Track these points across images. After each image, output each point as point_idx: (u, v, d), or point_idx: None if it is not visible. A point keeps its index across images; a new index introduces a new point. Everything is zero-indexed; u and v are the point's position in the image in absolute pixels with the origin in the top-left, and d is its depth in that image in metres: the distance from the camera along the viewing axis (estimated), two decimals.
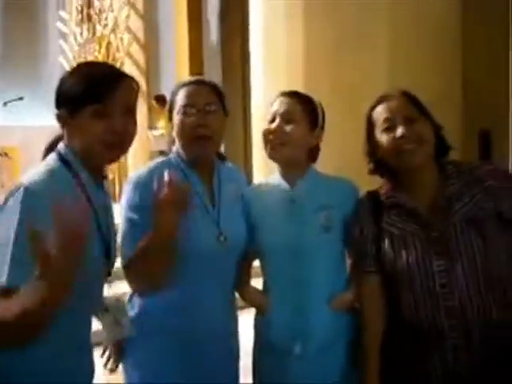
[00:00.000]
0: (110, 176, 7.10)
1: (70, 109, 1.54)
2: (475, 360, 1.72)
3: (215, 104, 1.92)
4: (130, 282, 1.83)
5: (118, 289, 1.82)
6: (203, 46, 8.05)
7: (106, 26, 9.23)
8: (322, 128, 2.01)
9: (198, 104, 1.90)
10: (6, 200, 1.46)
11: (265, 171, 3.97)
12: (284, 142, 1.92)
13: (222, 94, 1.98)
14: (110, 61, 9.16)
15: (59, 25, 10.05)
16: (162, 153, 5.92)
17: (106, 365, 1.93)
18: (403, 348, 1.83)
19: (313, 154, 2.02)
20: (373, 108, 1.88)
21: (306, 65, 4.21)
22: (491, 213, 1.75)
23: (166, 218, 1.69)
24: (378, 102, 1.87)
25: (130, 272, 1.80)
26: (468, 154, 3.87)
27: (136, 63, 8.79)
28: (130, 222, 1.84)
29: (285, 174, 1.99)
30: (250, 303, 2.06)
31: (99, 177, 1.66)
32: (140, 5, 8.77)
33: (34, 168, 1.55)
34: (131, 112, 1.61)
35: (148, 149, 7.73)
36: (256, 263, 2.07)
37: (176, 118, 1.92)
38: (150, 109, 8.17)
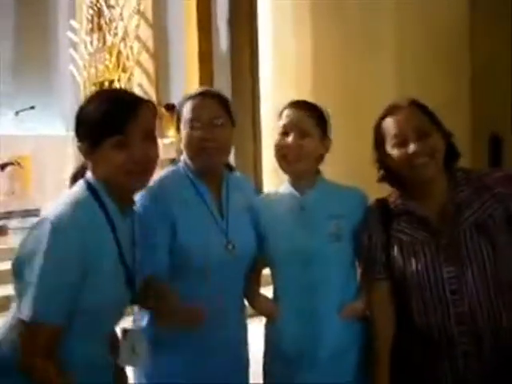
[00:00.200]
0: None
1: (91, 142, 1.55)
2: (485, 367, 1.72)
3: (222, 117, 1.92)
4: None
5: None
6: (213, 55, 8.06)
7: (116, 35, 9.28)
8: (330, 136, 2.02)
9: (204, 118, 1.90)
10: (30, 233, 1.49)
11: (275, 181, 3.96)
12: (301, 157, 1.93)
13: (228, 105, 1.98)
14: (119, 69, 9.22)
15: (70, 34, 10.12)
16: (172, 161, 5.94)
17: None
18: (413, 354, 1.83)
19: (318, 161, 2.03)
20: (382, 118, 1.87)
21: (315, 72, 4.21)
22: (501, 219, 1.75)
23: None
24: (388, 113, 1.86)
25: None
26: (478, 159, 3.84)
27: (146, 72, 8.82)
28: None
29: (295, 183, 2.00)
30: (259, 312, 2.06)
31: (127, 205, 1.66)
32: (150, 14, 8.81)
33: (61, 197, 1.57)
34: (151, 136, 1.61)
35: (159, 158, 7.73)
36: (266, 271, 2.07)
37: (183, 131, 1.93)
38: (159, 117, 8.19)
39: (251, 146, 7.46)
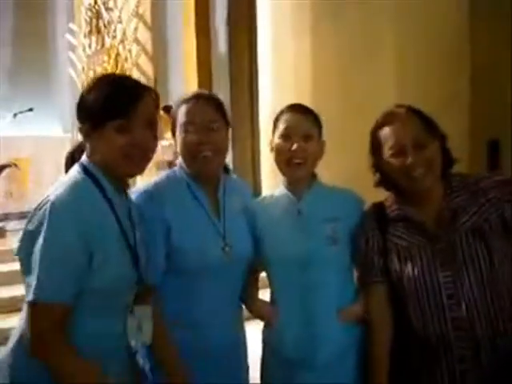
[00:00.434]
0: None
1: (93, 123, 1.58)
2: (482, 371, 1.72)
3: (216, 121, 1.92)
4: None
5: None
6: (211, 58, 8.06)
7: (114, 37, 9.27)
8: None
9: (199, 122, 1.90)
10: (33, 215, 1.51)
11: (273, 183, 3.96)
12: (306, 160, 1.93)
13: (223, 107, 1.98)
14: (118, 72, 9.21)
15: (68, 36, 10.12)
16: (170, 163, 5.95)
17: None
18: (411, 359, 1.83)
19: (316, 164, 2.03)
20: (379, 126, 1.86)
21: (314, 75, 4.21)
22: (497, 224, 1.76)
23: None
24: (385, 121, 1.85)
25: None
26: (476, 163, 3.84)
27: (144, 74, 8.81)
28: None
29: (291, 187, 2.00)
30: (257, 316, 2.06)
31: (122, 188, 1.69)
32: (148, 17, 8.80)
33: (59, 181, 1.59)
34: (152, 126, 1.65)
35: (156, 159, 7.74)
36: (263, 274, 2.07)
37: (178, 135, 1.93)
38: (158, 119, 8.18)
39: (250, 149, 7.45)
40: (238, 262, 1.94)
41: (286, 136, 1.94)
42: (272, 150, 2.00)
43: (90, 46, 9.83)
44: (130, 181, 1.74)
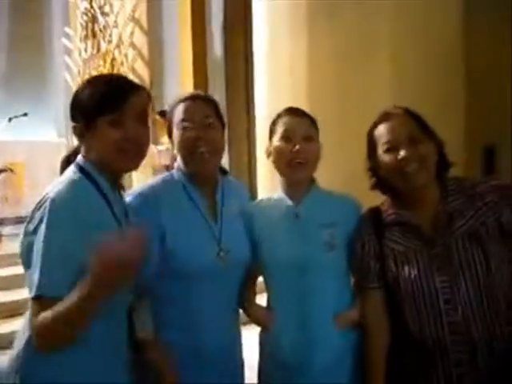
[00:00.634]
0: None
1: (86, 120, 1.60)
2: (479, 376, 1.72)
3: (212, 117, 1.94)
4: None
5: None
6: (207, 62, 8.07)
7: (110, 41, 9.27)
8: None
9: (196, 118, 1.91)
10: (34, 212, 1.52)
11: (269, 187, 3.96)
12: (308, 162, 1.93)
13: (218, 108, 2.00)
14: None
15: (64, 40, 10.11)
16: (167, 168, 5.93)
17: None
18: (407, 363, 1.83)
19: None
20: (375, 125, 1.88)
21: (310, 77, 4.21)
22: (493, 228, 1.76)
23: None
24: (381, 119, 1.87)
25: None
26: (472, 168, 3.85)
27: (140, 79, 8.81)
28: None
29: (289, 191, 1.99)
30: (254, 321, 2.05)
31: (117, 187, 1.70)
32: (144, 21, 8.80)
33: (56, 180, 1.61)
34: (144, 121, 1.67)
35: (152, 163, 7.74)
36: (260, 279, 2.06)
37: (175, 133, 1.94)
38: (154, 124, 8.19)
39: (246, 151, 7.45)
40: (235, 266, 1.93)
41: (286, 138, 1.94)
42: (269, 155, 2.00)
43: (85, 51, 9.83)
44: (126, 184, 1.74)
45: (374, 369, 1.86)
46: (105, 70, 9.35)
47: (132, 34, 8.87)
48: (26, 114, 8.72)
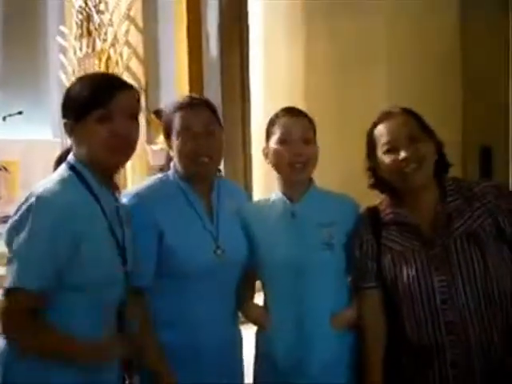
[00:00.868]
0: None
1: (76, 116, 1.61)
2: (475, 377, 1.72)
3: (212, 124, 1.94)
4: None
5: None
6: (203, 61, 8.05)
7: (105, 40, 9.24)
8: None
9: (195, 128, 1.90)
10: (19, 208, 1.53)
11: (264, 188, 3.96)
12: (307, 164, 1.92)
13: (216, 111, 1.99)
14: None
15: (59, 39, 10.07)
16: (162, 169, 5.89)
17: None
18: (404, 363, 1.83)
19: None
20: (375, 125, 1.88)
21: (307, 80, 4.20)
22: (491, 229, 1.76)
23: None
24: (380, 119, 1.87)
25: None
26: (469, 170, 3.86)
27: (135, 78, 8.78)
28: None
29: (286, 191, 1.98)
30: (249, 320, 2.04)
31: (108, 184, 1.70)
32: (140, 20, 8.77)
33: (46, 178, 1.63)
34: (134, 118, 1.67)
35: (147, 163, 7.72)
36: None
37: (175, 142, 1.93)
38: (148, 123, 8.17)
39: (241, 153, 7.44)
40: (232, 264, 1.94)
41: (284, 141, 1.93)
42: (267, 156, 1.98)
43: (80, 49, 9.79)
44: (121, 185, 1.73)
45: (370, 370, 1.86)
46: (100, 69, 9.32)
47: (127, 32, 8.84)
48: (20, 113, 8.72)
